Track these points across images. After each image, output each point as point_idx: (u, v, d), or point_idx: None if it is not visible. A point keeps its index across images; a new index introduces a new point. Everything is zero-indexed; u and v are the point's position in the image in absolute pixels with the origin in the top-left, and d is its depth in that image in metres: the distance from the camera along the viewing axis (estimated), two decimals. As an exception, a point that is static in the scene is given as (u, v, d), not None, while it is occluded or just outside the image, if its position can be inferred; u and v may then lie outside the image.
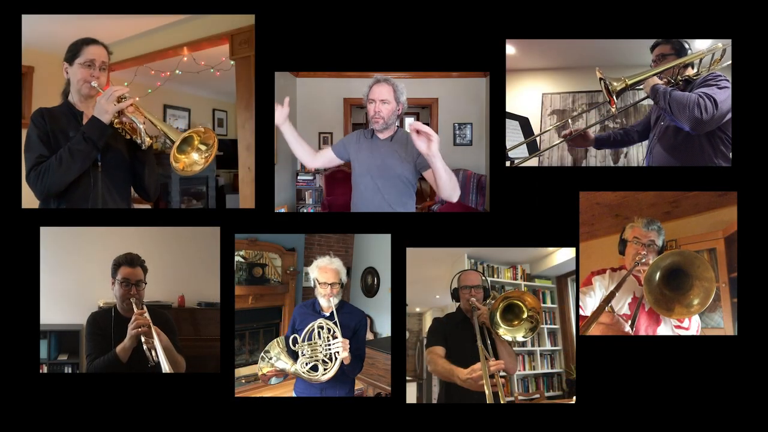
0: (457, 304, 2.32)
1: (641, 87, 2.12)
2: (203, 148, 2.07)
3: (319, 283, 2.13)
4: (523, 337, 2.11)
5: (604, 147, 2.50)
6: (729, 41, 2.19)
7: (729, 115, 1.94)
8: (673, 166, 2.21)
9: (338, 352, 2.03)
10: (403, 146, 2.39)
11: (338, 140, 2.53)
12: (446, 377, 2.15)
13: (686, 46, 2.02)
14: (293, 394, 2.22)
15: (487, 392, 1.95)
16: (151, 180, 2.21)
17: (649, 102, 2.25)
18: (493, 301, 2.19)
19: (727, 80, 1.92)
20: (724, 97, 1.91)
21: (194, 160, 2.07)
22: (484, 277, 2.32)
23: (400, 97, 2.33)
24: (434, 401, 2.31)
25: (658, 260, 2.10)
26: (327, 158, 2.50)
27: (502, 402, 2.00)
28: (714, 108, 1.89)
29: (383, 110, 2.31)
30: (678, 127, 2.07)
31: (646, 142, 2.43)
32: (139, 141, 2.07)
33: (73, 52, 2.07)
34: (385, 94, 2.31)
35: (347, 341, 2.06)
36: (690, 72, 2.02)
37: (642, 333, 2.18)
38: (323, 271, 2.14)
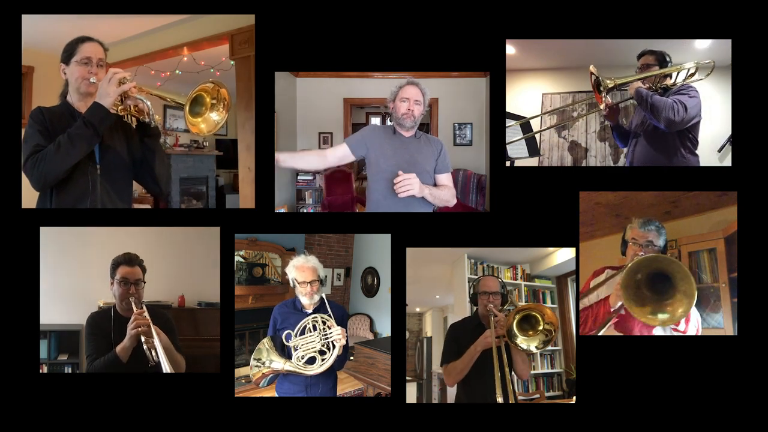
0: (475, 308, 2.33)
1: (627, 88, 2.38)
2: (216, 102, 2.02)
3: (299, 283, 2.12)
4: (536, 347, 2.16)
5: (616, 131, 2.55)
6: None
7: (696, 119, 2.29)
8: (654, 163, 2.38)
9: (336, 340, 2.03)
10: (428, 144, 2.43)
11: (352, 136, 2.46)
12: (469, 364, 2.18)
13: (667, 59, 2.32)
14: (275, 395, 2.19)
15: (493, 348, 2.13)
16: (162, 169, 2.16)
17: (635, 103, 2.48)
18: (510, 308, 2.23)
19: (697, 91, 2.28)
20: (693, 104, 2.26)
21: (214, 121, 2.03)
22: (502, 282, 2.33)
23: (426, 102, 2.39)
24: (447, 402, 2.33)
25: (651, 258, 2.08)
26: (339, 155, 2.42)
27: (505, 368, 2.13)
28: (684, 112, 2.25)
29: (416, 110, 2.35)
30: (657, 127, 2.34)
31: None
32: (147, 120, 2.03)
33: (69, 52, 2.04)
34: (418, 95, 2.36)
35: (344, 329, 2.07)
36: (668, 81, 2.33)
37: (635, 333, 2.18)
38: (301, 271, 2.13)
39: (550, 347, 2.89)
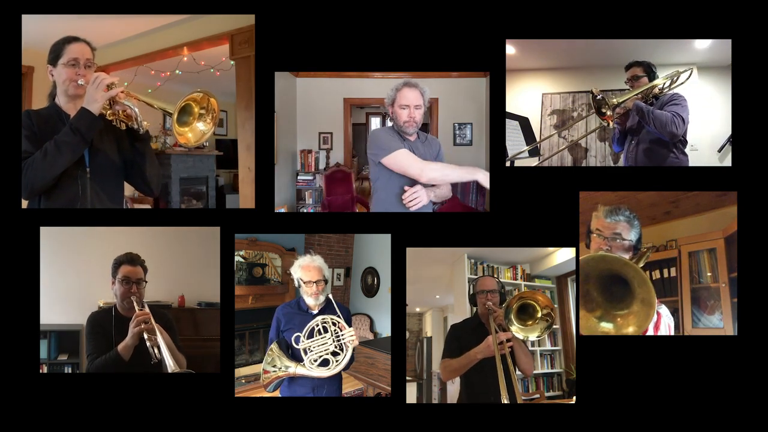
0: (475, 309, 2.34)
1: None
2: (204, 113, 1.99)
3: (304, 282, 2.12)
4: (538, 336, 2.14)
5: (621, 134, 2.59)
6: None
7: (688, 125, 2.41)
8: (649, 163, 2.41)
9: (349, 341, 2.03)
10: (428, 146, 2.43)
11: (385, 139, 2.34)
12: (465, 367, 2.18)
13: (653, 68, 2.41)
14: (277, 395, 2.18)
15: (496, 354, 2.09)
16: (153, 171, 2.13)
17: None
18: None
19: (685, 98, 2.38)
20: (686, 114, 2.37)
21: (201, 131, 2.00)
22: (499, 282, 2.35)
23: (427, 102, 2.36)
24: (447, 402, 2.34)
25: (597, 258, 1.86)
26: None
27: (510, 367, 2.11)
28: (683, 124, 2.35)
29: (417, 115, 2.33)
30: (649, 131, 2.41)
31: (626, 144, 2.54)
32: (136, 126, 2.00)
33: (55, 53, 2.00)
34: (418, 99, 2.32)
35: (355, 330, 2.07)
36: (656, 90, 2.41)
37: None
38: (306, 270, 2.12)
39: (549, 347, 2.91)
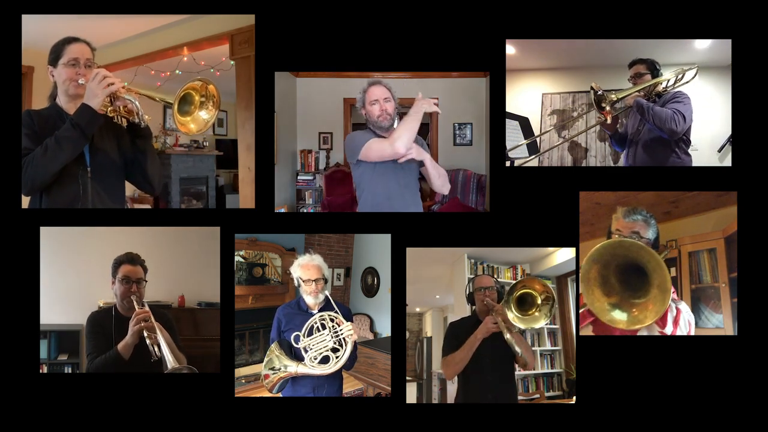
0: (473, 307, 2.34)
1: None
2: (205, 100, 2.00)
3: (304, 281, 2.12)
4: (544, 322, 2.16)
5: (614, 137, 2.60)
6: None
7: (690, 124, 2.39)
8: (648, 164, 2.43)
9: (348, 336, 2.03)
10: None
11: (358, 138, 2.38)
12: (468, 354, 2.19)
13: (657, 66, 2.40)
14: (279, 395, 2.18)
15: (501, 326, 2.15)
16: (154, 169, 2.13)
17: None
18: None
19: (688, 96, 2.37)
20: (688, 112, 2.35)
21: (203, 119, 2.01)
22: (496, 279, 2.35)
23: (395, 96, 2.36)
24: (447, 402, 2.34)
25: (614, 244, 1.93)
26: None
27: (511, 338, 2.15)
28: (683, 122, 2.34)
29: (389, 108, 2.33)
30: (650, 129, 2.42)
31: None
32: (137, 120, 2.00)
33: (55, 54, 2.01)
34: (385, 92, 2.33)
35: (354, 325, 2.07)
36: (659, 88, 2.42)
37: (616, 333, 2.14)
38: (306, 269, 2.13)
39: (550, 347, 2.91)
